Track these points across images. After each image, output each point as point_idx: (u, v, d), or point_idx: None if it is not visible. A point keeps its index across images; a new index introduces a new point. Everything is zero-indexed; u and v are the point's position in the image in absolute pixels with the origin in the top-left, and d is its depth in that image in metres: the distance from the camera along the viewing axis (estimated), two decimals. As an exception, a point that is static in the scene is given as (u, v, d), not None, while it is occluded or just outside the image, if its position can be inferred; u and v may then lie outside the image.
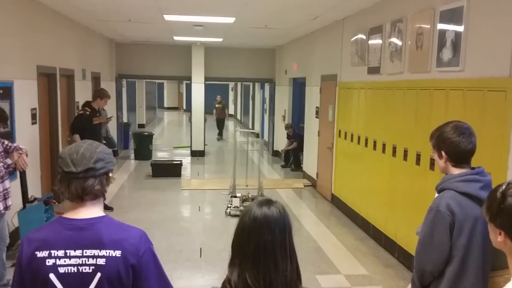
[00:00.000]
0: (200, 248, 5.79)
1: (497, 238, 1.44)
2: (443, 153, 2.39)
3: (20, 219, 5.07)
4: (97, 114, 7.22)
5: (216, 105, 17.70)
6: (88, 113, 7.04)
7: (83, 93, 8.96)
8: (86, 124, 6.91)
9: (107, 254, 1.62)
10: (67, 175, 1.65)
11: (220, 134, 17.54)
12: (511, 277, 1.41)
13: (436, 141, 2.44)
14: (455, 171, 2.38)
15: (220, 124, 17.67)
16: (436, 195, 2.41)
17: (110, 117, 10.48)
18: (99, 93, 7.38)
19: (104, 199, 1.77)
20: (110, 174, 1.75)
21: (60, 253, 1.61)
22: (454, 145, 2.35)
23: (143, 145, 12.20)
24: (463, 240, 2.27)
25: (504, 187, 1.45)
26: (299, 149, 10.94)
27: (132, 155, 12.46)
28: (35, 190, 6.09)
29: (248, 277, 1.47)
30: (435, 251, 2.30)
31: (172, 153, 13.67)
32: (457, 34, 4.26)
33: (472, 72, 4.11)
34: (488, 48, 3.91)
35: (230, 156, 14.33)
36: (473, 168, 2.38)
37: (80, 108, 7.58)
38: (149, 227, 6.43)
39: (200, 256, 5.57)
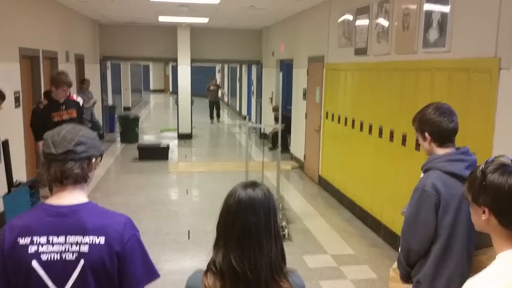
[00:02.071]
0: (188, 231, 5.81)
1: (481, 217, 1.46)
2: (426, 134, 2.41)
3: (5, 204, 5.02)
4: (62, 108, 5.39)
5: (211, 87, 17.28)
6: (42, 106, 5.31)
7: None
8: (42, 122, 5.10)
9: (91, 241, 1.59)
10: (47, 156, 1.63)
11: (218, 115, 17.23)
12: (496, 255, 1.43)
13: (418, 124, 2.46)
14: (440, 151, 2.40)
15: (216, 106, 17.32)
16: (422, 175, 2.44)
17: (95, 102, 10.37)
18: (53, 80, 5.34)
19: (85, 182, 1.71)
20: (94, 160, 1.70)
21: (43, 239, 1.58)
22: (436, 125, 2.37)
23: (129, 128, 12.10)
24: (449, 219, 2.30)
25: (483, 165, 1.47)
26: (287, 131, 10.94)
27: (118, 138, 12.36)
28: (20, 174, 6.02)
29: (233, 258, 1.48)
30: (421, 230, 2.33)
31: (159, 136, 13.58)
32: (443, 15, 4.25)
33: (458, 52, 4.11)
34: (474, 28, 3.91)
35: (218, 139, 14.33)
36: (458, 148, 2.41)
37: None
38: (137, 210, 6.42)
39: (188, 239, 5.58)
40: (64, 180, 1.63)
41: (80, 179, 1.66)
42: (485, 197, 1.43)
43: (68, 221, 1.60)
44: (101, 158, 1.77)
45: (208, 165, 9.53)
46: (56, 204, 1.64)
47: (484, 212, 1.45)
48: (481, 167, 1.47)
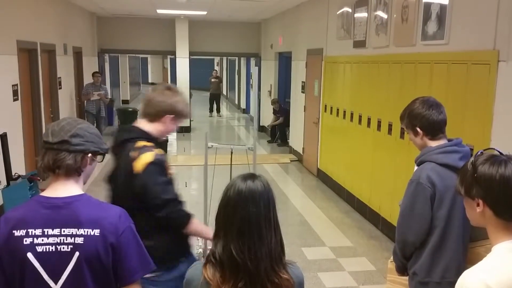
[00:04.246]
0: (187, 223, 5.81)
1: (476, 210, 1.47)
2: (417, 129, 2.41)
3: (4, 197, 5.02)
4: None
5: (212, 80, 17.11)
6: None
7: (64, 69, 8.79)
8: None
9: (85, 233, 1.59)
10: (44, 145, 1.64)
11: (218, 110, 17.07)
12: (492, 247, 1.44)
13: (408, 120, 2.45)
14: (433, 144, 2.40)
15: (216, 100, 17.15)
16: (416, 168, 2.44)
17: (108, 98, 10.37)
18: (176, 107, 2.38)
19: (79, 175, 1.69)
20: (89, 154, 1.67)
21: (38, 231, 1.58)
22: (426, 118, 2.37)
23: (128, 122, 12.00)
24: (444, 211, 2.31)
25: (473, 158, 1.48)
26: (285, 124, 10.95)
27: (117, 132, 12.34)
28: (18, 167, 6.02)
29: (233, 248, 1.49)
30: (416, 223, 2.34)
31: (158, 129, 13.55)
32: (442, 7, 4.24)
33: (456, 45, 4.11)
34: (472, 21, 3.90)
35: (217, 132, 14.32)
36: (450, 140, 2.42)
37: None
38: (136, 203, 6.42)
39: (187, 231, 5.60)
40: (56, 170, 1.63)
41: (72, 171, 1.65)
42: (478, 189, 1.44)
43: (63, 213, 1.61)
44: (103, 157, 1.74)
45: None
46: (51, 196, 1.64)
47: (478, 205, 1.46)
48: (471, 160, 1.49)
